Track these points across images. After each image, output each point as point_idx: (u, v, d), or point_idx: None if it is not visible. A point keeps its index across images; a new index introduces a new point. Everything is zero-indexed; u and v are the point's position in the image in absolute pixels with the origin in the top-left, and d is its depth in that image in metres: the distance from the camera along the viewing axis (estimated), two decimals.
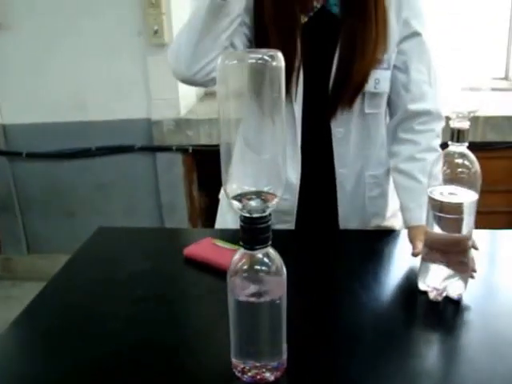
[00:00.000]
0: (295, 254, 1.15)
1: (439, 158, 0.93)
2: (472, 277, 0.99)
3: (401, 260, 1.18)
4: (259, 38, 1.19)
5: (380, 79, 1.19)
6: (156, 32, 2.46)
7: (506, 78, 3.00)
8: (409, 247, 1.14)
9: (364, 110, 1.23)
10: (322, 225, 1.35)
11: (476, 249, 1.03)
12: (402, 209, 1.23)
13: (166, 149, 2.67)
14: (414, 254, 1.07)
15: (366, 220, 1.35)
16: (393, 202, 1.36)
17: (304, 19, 1.19)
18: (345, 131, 1.24)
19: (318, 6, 1.18)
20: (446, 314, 0.95)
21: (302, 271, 1.07)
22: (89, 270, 1.16)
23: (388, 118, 1.31)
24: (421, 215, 1.08)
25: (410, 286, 1.05)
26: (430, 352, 0.87)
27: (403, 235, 1.27)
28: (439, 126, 1.24)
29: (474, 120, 2.24)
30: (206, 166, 2.77)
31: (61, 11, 2.51)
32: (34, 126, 2.70)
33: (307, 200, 1.30)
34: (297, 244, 1.23)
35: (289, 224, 1.32)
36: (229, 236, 1.19)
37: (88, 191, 2.81)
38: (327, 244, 1.26)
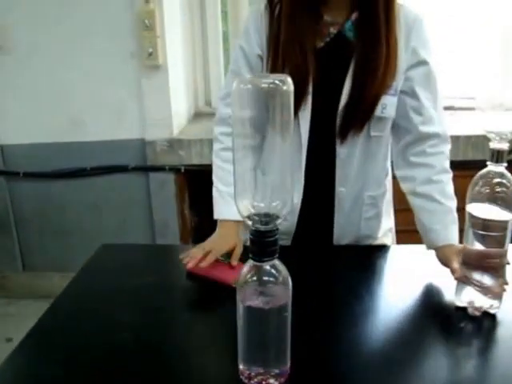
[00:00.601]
0: (293, 266, 1.19)
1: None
2: (504, 290, 1.01)
3: (397, 273, 1.23)
4: (273, 62, 1.21)
5: (387, 104, 1.21)
6: (150, 54, 2.51)
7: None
8: (404, 261, 1.19)
9: (370, 133, 1.25)
10: (316, 243, 1.37)
11: (508, 263, 1.03)
12: (426, 231, 1.21)
13: (159, 169, 2.70)
14: (457, 278, 1.05)
15: (359, 240, 1.39)
16: (385, 223, 1.41)
17: (320, 44, 1.21)
18: (349, 152, 1.26)
19: (335, 31, 1.21)
20: (450, 325, 0.99)
21: (300, 283, 1.11)
22: (94, 285, 1.20)
23: (392, 142, 1.33)
24: (447, 235, 1.12)
25: (408, 296, 1.10)
26: (438, 364, 0.89)
27: (393, 250, 1.33)
28: (447, 148, 1.26)
29: (455, 139, 2.26)
30: (197, 186, 2.81)
31: (57, 34, 2.54)
32: (31, 147, 2.72)
33: (305, 219, 1.33)
34: (294, 258, 1.25)
35: (285, 241, 1.35)
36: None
37: (83, 210, 2.82)
38: (323, 258, 1.29)
